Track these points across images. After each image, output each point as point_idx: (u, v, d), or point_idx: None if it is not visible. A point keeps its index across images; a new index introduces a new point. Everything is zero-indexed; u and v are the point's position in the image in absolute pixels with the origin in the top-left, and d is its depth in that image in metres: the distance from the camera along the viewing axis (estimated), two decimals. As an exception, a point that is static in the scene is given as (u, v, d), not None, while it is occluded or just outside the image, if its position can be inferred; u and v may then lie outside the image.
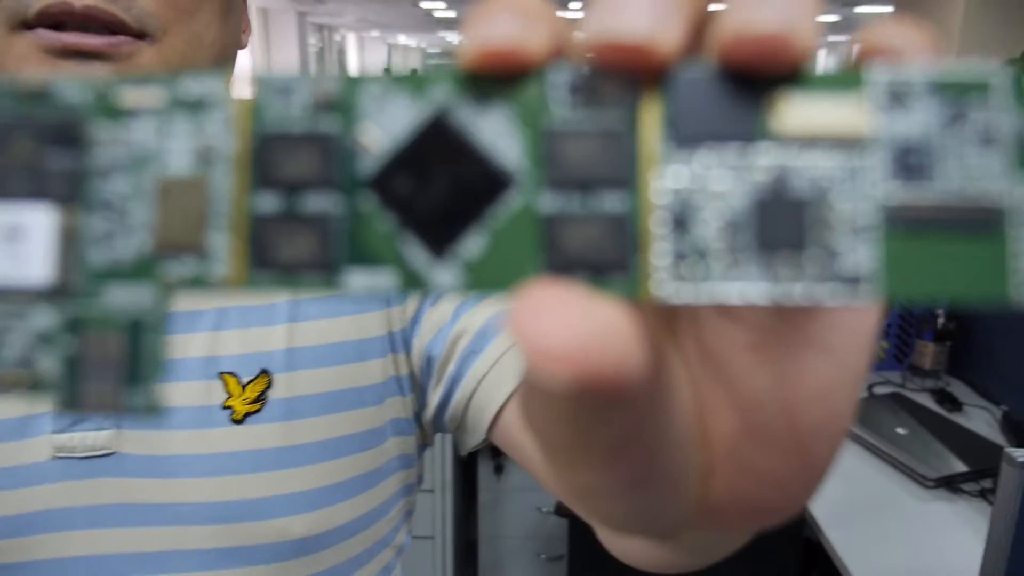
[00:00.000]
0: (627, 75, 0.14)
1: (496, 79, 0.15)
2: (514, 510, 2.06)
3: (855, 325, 0.18)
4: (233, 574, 0.48)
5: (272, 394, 0.49)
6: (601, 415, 0.15)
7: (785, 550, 1.48)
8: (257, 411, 0.48)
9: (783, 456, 0.19)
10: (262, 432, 0.49)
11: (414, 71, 0.15)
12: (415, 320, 0.54)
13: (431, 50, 23.18)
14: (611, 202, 0.14)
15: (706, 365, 0.20)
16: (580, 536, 1.64)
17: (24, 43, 0.41)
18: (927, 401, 1.62)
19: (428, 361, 0.53)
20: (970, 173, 0.14)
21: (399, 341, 0.54)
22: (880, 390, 1.68)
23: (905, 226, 0.14)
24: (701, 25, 0.15)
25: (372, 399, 0.52)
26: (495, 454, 2.04)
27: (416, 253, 0.15)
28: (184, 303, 0.49)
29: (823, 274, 0.14)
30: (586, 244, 0.14)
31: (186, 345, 0.49)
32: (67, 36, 0.41)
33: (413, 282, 0.15)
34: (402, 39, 20.05)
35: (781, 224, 0.14)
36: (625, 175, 0.14)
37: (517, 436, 0.48)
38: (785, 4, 0.14)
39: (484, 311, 0.51)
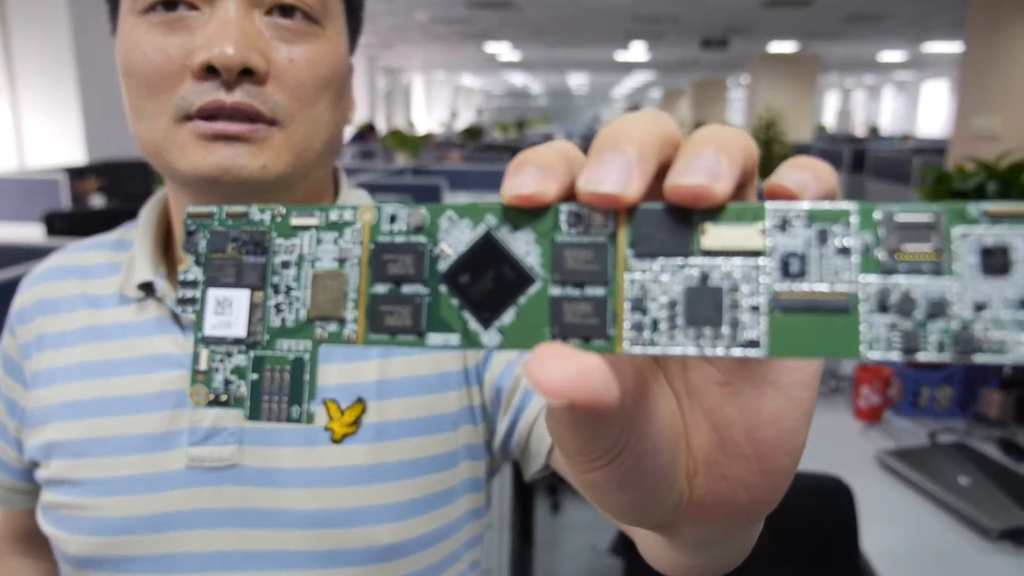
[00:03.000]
0: (606, 211, 0.23)
1: (524, 211, 0.23)
2: (569, 548, 2.11)
3: (800, 368, 0.26)
4: (327, 574, 0.57)
5: (366, 419, 0.59)
6: (593, 428, 0.24)
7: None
8: (353, 433, 0.58)
9: (747, 465, 0.27)
10: (356, 451, 0.58)
11: (473, 205, 0.24)
12: (486, 358, 0.63)
13: (494, 92, 23.64)
14: (595, 291, 0.23)
15: (690, 396, 0.28)
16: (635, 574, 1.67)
17: (185, 132, 0.52)
18: (992, 451, 1.61)
19: (497, 393, 0.62)
20: (832, 272, 0.22)
21: (473, 375, 0.63)
22: (943, 439, 1.67)
23: (787, 307, 0.22)
24: (659, 174, 0.23)
25: (449, 425, 0.61)
26: (552, 492, 2.09)
27: (472, 323, 0.23)
28: None
29: (732, 338, 0.22)
30: (579, 318, 0.23)
31: None
32: (218, 125, 0.52)
33: (470, 342, 0.23)
34: (467, 80, 20.56)
35: (704, 304, 0.22)
36: (605, 274, 0.23)
37: None
38: (709, 166, 0.22)
39: None
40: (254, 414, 0.25)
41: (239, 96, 0.51)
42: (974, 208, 0.21)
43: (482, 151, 8.10)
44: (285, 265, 0.25)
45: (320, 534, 0.57)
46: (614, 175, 0.22)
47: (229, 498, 0.57)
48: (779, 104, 9.76)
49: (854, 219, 0.22)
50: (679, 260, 0.22)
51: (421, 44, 11.27)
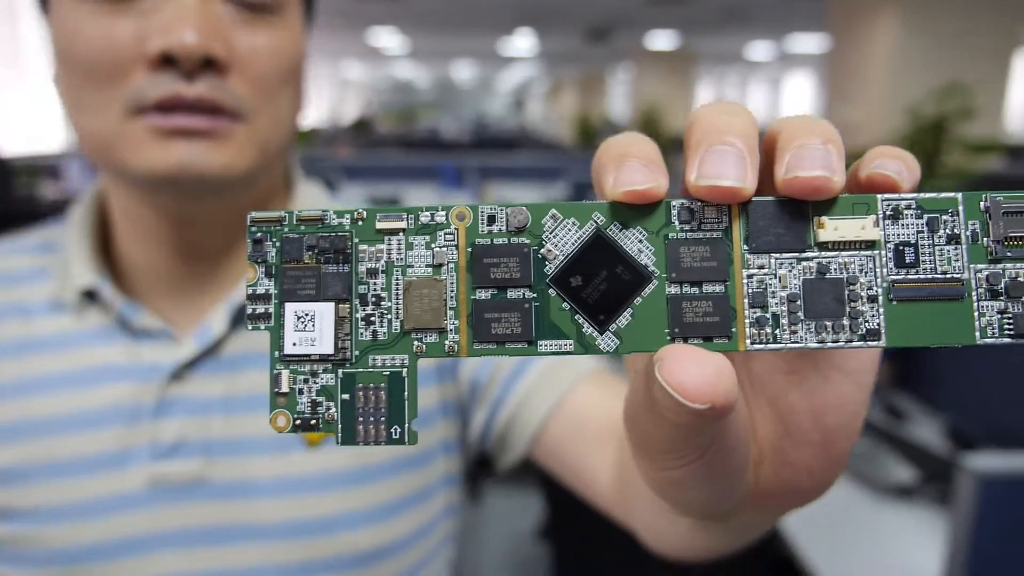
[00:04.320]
0: (720, 205, 0.22)
1: (632, 208, 0.22)
2: (492, 537, 2.11)
3: (867, 352, 0.26)
4: None
5: None
6: (703, 427, 0.23)
7: (755, 566, 1.55)
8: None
9: (812, 451, 0.27)
10: (335, 455, 0.55)
11: (577, 204, 0.23)
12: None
13: (381, 86, 23.31)
14: (714, 288, 0.22)
15: (753, 385, 0.28)
16: (565, 557, 1.69)
17: (139, 127, 0.48)
18: (877, 414, 1.72)
19: (474, 387, 0.60)
20: (944, 261, 0.22)
21: (447, 371, 0.61)
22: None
23: (904, 297, 0.22)
24: (761, 171, 0.23)
25: (426, 421, 0.59)
26: (472, 480, 2.08)
27: (587, 327, 0.22)
28: (263, 343, 0.56)
29: (852, 330, 0.22)
30: (700, 316, 0.22)
31: (264, 379, 0.55)
32: (176, 119, 0.47)
33: (586, 348, 0.22)
34: (352, 73, 20.11)
35: (825, 297, 0.22)
36: (724, 270, 0.22)
37: (562, 449, 0.56)
38: (822, 157, 0.22)
39: None
40: (348, 438, 0.22)
41: (201, 88, 0.47)
42: None
43: (373, 144, 7.96)
44: (372, 273, 0.23)
45: (298, 544, 0.53)
46: (733, 169, 0.21)
47: (197, 516, 0.53)
48: (659, 97, 10.07)
49: (961, 208, 0.22)
50: (796, 254, 0.22)
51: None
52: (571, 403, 0.56)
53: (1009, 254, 0.22)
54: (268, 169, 0.54)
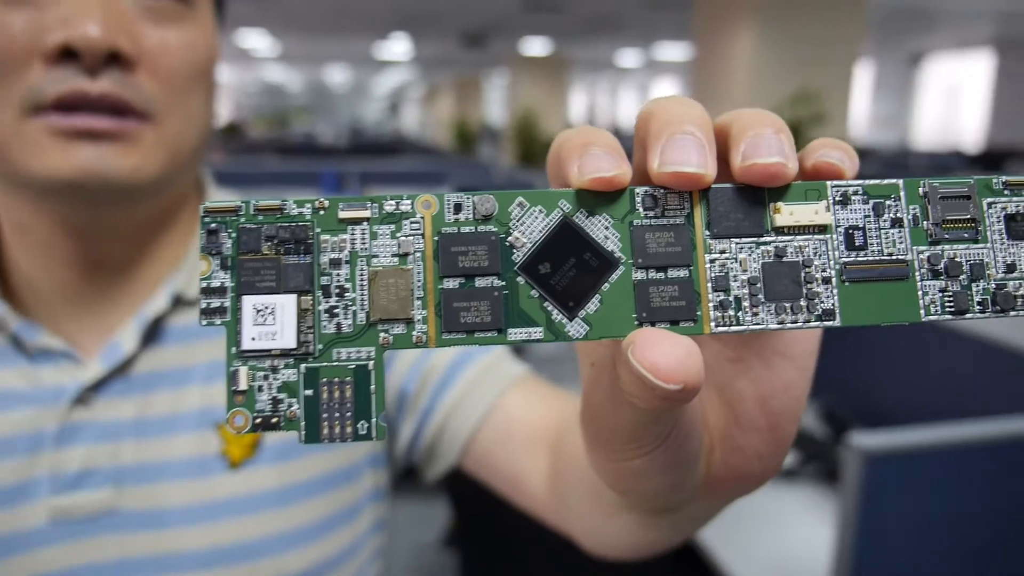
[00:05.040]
0: (682, 191, 0.23)
1: (598, 196, 0.23)
2: (395, 547, 2.08)
3: (808, 337, 0.28)
4: None
5: (266, 439, 0.53)
6: (669, 411, 0.23)
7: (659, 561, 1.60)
8: (253, 456, 0.52)
9: (760, 436, 0.28)
10: (259, 475, 0.52)
11: (543, 191, 0.23)
12: (387, 362, 0.59)
13: (250, 89, 22.53)
14: (679, 272, 0.22)
15: (705, 375, 0.28)
16: (472, 563, 1.69)
17: (36, 127, 0.43)
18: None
19: (402, 396, 0.59)
20: (889, 243, 0.23)
21: None
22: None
23: (855, 278, 0.23)
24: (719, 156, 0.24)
25: None
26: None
27: (556, 314, 0.22)
28: (176, 360, 0.52)
29: (809, 310, 0.23)
30: (666, 301, 0.22)
31: (180, 399, 0.52)
32: (79, 119, 0.44)
33: (555, 334, 0.22)
34: (221, 76, 19.40)
35: (783, 280, 0.23)
36: (688, 255, 0.22)
37: (494, 456, 0.55)
38: (776, 145, 0.22)
39: (451, 349, 0.58)
40: (312, 435, 0.21)
41: (105, 85, 0.44)
42: (996, 180, 0.23)
43: (246, 149, 7.67)
44: (335, 264, 0.22)
45: (220, 573, 0.50)
46: (695, 156, 0.22)
47: (106, 550, 0.49)
48: (534, 102, 10.23)
49: (903, 193, 0.23)
50: (754, 238, 0.23)
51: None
52: (502, 410, 0.55)
53: (947, 236, 0.23)
54: (179, 174, 0.51)
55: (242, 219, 0.22)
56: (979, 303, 0.23)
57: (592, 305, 0.22)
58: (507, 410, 0.55)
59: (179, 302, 0.53)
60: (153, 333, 0.52)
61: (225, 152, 6.89)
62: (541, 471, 0.51)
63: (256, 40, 9.67)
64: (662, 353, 0.20)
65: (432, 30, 8.64)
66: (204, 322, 0.21)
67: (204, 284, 0.21)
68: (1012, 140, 8.77)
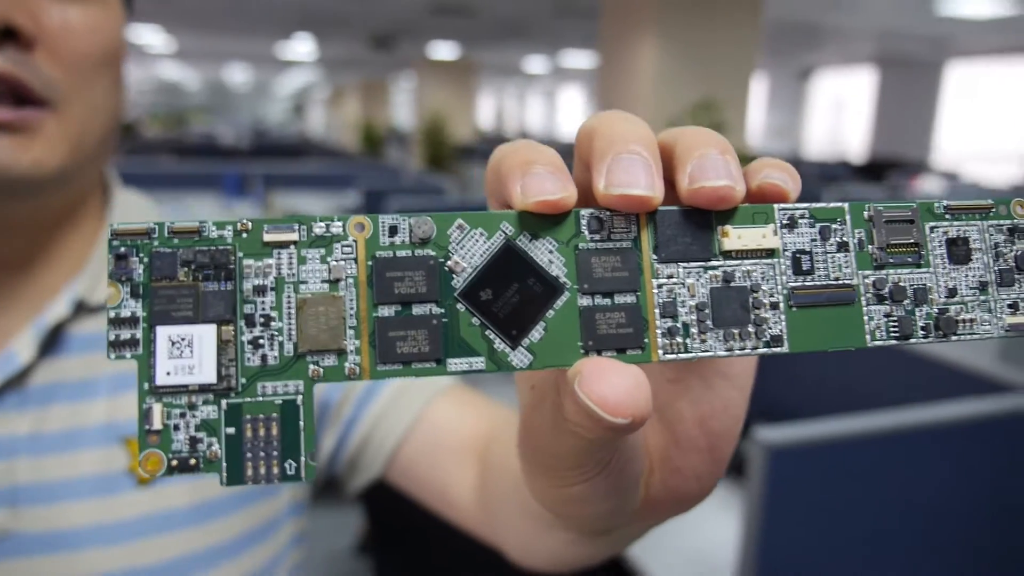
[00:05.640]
0: (629, 214, 0.22)
1: (541, 218, 0.22)
2: (311, 556, 2.02)
3: (748, 357, 0.27)
4: None
5: None
6: (615, 441, 0.23)
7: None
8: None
9: (700, 456, 0.28)
10: (170, 492, 0.49)
11: (484, 213, 0.21)
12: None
13: (144, 87, 21.59)
14: (626, 298, 0.22)
15: None
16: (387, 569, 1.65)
17: None
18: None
19: (323, 408, 0.56)
20: (836, 267, 0.23)
21: None
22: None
23: (802, 303, 0.22)
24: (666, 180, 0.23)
25: None
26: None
27: (498, 343, 0.21)
28: (78, 371, 0.48)
29: (757, 336, 0.22)
30: (613, 328, 0.21)
31: (83, 413, 0.48)
32: None
33: (498, 364, 0.21)
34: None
35: (731, 305, 0.22)
36: (635, 280, 0.22)
37: (420, 467, 0.53)
38: (723, 168, 0.22)
39: None
40: (234, 477, 0.20)
41: (1, 63, 0.40)
42: (938, 204, 0.23)
43: (140, 149, 7.33)
44: (259, 291, 0.20)
45: None
46: (642, 178, 0.21)
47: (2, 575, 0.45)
48: (442, 106, 10.20)
49: (848, 217, 0.23)
50: (702, 263, 0.22)
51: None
52: (429, 420, 0.54)
53: (892, 260, 0.23)
54: (83, 168, 0.47)
55: (155, 243, 0.20)
56: (922, 328, 0.23)
57: (536, 333, 0.21)
58: (434, 420, 0.54)
59: (81, 308, 0.49)
60: (52, 341, 0.48)
61: (118, 152, 6.56)
62: (469, 482, 0.50)
63: (150, 36, 9.26)
64: (610, 385, 0.20)
65: (338, 31, 8.49)
66: (113, 356, 0.19)
67: (113, 314, 0.19)
68: (893, 151, 9.32)
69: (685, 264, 0.22)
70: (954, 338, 0.23)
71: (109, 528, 0.47)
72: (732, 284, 0.22)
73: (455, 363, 0.21)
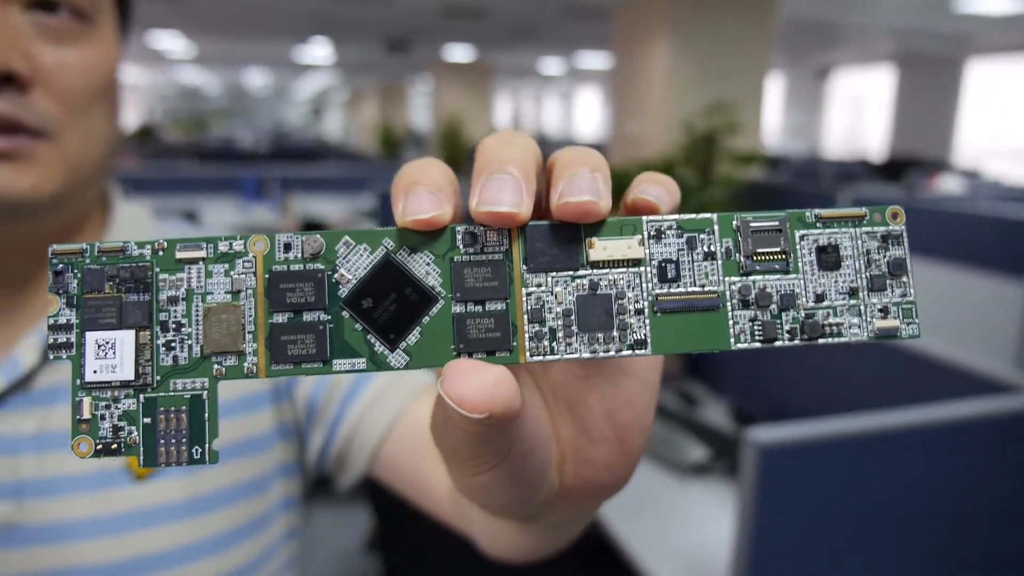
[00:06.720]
0: (500, 229, 0.25)
1: (420, 233, 0.25)
2: (319, 555, 2.07)
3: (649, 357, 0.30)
4: None
5: None
6: (492, 434, 0.26)
7: (576, 559, 1.64)
8: (158, 469, 0.53)
9: (609, 447, 0.30)
10: (166, 487, 0.53)
11: (369, 230, 0.25)
12: None
13: (166, 92, 21.88)
14: (496, 306, 0.25)
15: (554, 391, 0.31)
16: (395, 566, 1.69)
17: None
18: (672, 401, 1.88)
19: (311, 406, 0.60)
20: (702, 275, 0.25)
21: (283, 391, 0.60)
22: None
23: (667, 309, 0.25)
24: (538, 196, 0.26)
25: (264, 445, 0.58)
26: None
27: (378, 346, 0.24)
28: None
29: (622, 340, 0.25)
30: (483, 332, 0.25)
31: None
32: None
33: (378, 365, 0.24)
34: (130, 78, 18.72)
35: (596, 311, 0.25)
36: (504, 289, 0.25)
37: (402, 462, 0.57)
38: (590, 185, 0.25)
39: None
40: (150, 459, 0.23)
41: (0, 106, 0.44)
42: (809, 214, 0.25)
43: (161, 154, 7.45)
44: (172, 301, 0.24)
45: None
46: (508, 196, 0.24)
47: (7, 565, 0.49)
48: (459, 108, 10.26)
49: (716, 228, 0.25)
50: (570, 272, 0.25)
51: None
52: (408, 416, 0.57)
53: (758, 268, 0.25)
54: (81, 190, 0.51)
55: (87, 260, 0.23)
56: (788, 331, 0.25)
57: (412, 337, 0.25)
58: (414, 417, 0.57)
59: None
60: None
61: (139, 157, 6.68)
62: (444, 476, 0.53)
63: (169, 42, 9.40)
64: (468, 385, 0.22)
65: (353, 35, 8.57)
66: (52, 356, 0.23)
67: (52, 321, 0.23)
68: (913, 150, 9.25)
69: (554, 274, 0.25)
70: (821, 341, 0.25)
71: (106, 521, 0.51)
72: (598, 292, 0.25)
73: (340, 363, 0.24)
